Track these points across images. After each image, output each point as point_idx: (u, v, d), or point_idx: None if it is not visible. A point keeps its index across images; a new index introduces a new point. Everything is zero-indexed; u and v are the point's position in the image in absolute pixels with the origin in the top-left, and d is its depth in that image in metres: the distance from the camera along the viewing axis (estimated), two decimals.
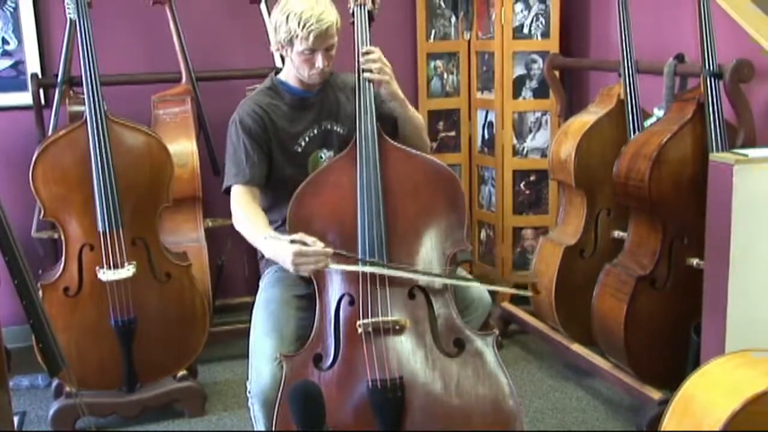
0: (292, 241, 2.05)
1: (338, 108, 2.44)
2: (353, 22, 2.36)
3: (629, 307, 2.72)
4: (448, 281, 2.17)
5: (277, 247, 2.09)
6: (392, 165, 2.21)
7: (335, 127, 2.43)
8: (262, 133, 2.35)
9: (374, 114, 2.24)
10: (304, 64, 2.32)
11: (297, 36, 2.25)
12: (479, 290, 2.38)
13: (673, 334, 2.72)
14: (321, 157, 2.40)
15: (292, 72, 2.40)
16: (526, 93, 3.83)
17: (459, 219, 2.21)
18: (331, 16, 2.26)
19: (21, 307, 1.85)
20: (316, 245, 2.05)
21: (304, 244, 2.05)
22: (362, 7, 2.35)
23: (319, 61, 2.29)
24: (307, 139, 2.40)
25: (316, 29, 2.23)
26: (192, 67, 3.50)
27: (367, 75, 2.27)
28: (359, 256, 2.13)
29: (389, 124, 2.40)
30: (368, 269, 2.12)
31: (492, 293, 2.47)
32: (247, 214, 2.27)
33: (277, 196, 2.38)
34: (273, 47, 2.38)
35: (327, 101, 2.43)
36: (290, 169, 2.37)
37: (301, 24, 2.23)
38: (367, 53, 2.28)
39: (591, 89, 3.79)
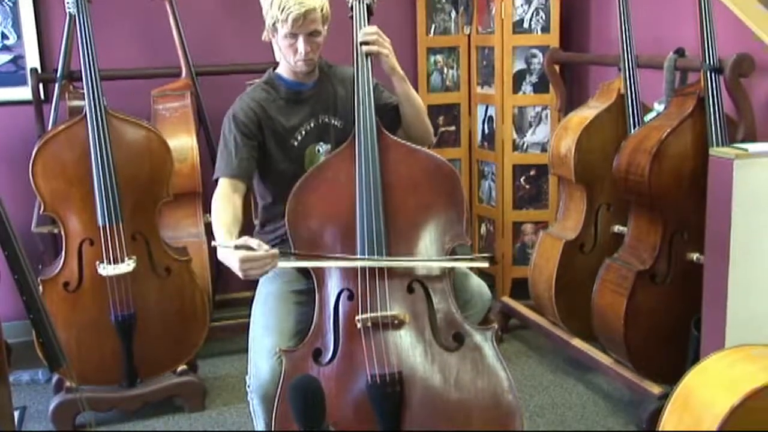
0: (236, 247, 2.03)
1: (336, 101, 2.43)
2: (352, 16, 2.36)
3: (629, 302, 2.72)
4: (421, 263, 2.16)
5: (225, 255, 2.07)
6: (391, 159, 2.20)
7: (333, 121, 2.43)
8: (255, 129, 2.35)
9: (373, 108, 2.24)
10: (288, 50, 2.32)
11: (278, 20, 2.26)
12: (479, 285, 2.38)
13: (673, 329, 2.72)
14: (318, 151, 2.40)
15: (285, 64, 2.41)
16: (526, 88, 3.82)
17: (458, 213, 2.20)
18: (314, 2, 2.26)
19: (21, 302, 1.85)
20: (261, 249, 2.03)
21: (249, 248, 2.02)
22: (361, 1, 2.35)
23: (301, 46, 2.29)
24: (303, 133, 2.39)
25: (295, 12, 2.23)
26: (192, 62, 3.50)
27: (365, 48, 2.27)
28: (357, 253, 2.12)
29: (389, 117, 2.40)
30: (323, 264, 2.12)
31: (492, 288, 2.47)
32: (217, 213, 2.25)
33: (277, 191, 2.38)
34: (263, 36, 2.38)
35: (324, 94, 2.43)
36: (286, 164, 2.38)
37: (281, 7, 2.24)
38: (366, 32, 2.29)
39: (591, 84, 3.78)
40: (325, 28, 2.33)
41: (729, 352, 1.97)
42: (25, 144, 3.25)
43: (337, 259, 2.13)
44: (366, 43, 2.27)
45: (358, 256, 2.12)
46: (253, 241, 2.04)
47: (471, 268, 2.42)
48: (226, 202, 2.28)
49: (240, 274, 2.03)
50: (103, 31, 3.24)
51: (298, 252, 2.14)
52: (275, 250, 2.05)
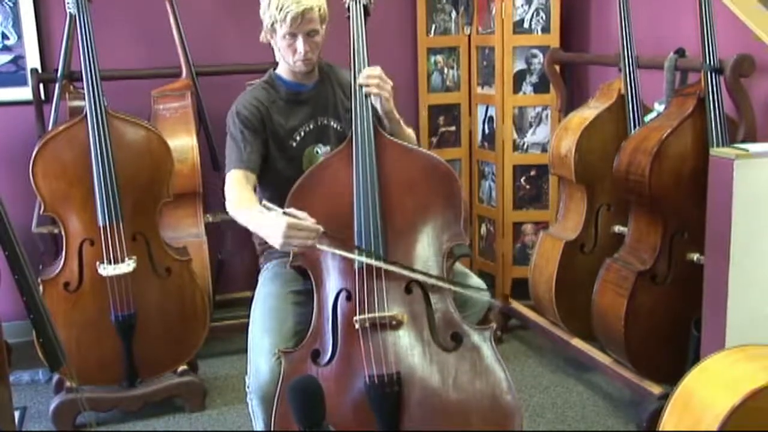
0: (285, 213, 2.03)
1: (335, 104, 2.44)
2: (349, 16, 2.36)
3: (629, 302, 2.72)
4: (436, 282, 2.14)
5: (270, 219, 2.05)
6: (389, 160, 2.20)
7: (331, 123, 2.43)
8: (258, 124, 2.35)
9: (370, 109, 2.23)
10: (287, 50, 2.33)
11: (277, 20, 2.27)
12: (478, 285, 2.37)
13: (673, 329, 2.72)
14: (317, 153, 2.40)
15: (284, 64, 2.41)
16: (527, 88, 3.82)
17: (456, 213, 2.20)
18: (311, 1, 2.26)
19: (21, 302, 1.85)
20: (308, 220, 2.04)
21: (296, 218, 2.03)
22: (357, 2, 2.35)
23: (300, 46, 2.29)
24: (302, 134, 2.40)
25: (293, 11, 2.23)
26: (192, 62, 3.50)
27: (366, 90, 2.24)
28: (355, 243, 2.12)
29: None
30: (355, 257, 2.11)
31: (492, 288, 2.47)
32: (240, 195, 2.25)
33: (274, 191, 2.38)
34: (261, 37, 2.38)
35: (323, 95, 2.43)
36: (283, 164, 2.38)
37: (279, 7, 2.25)
38: (367, 75, 2.25)
39: (591, 84, 3.78)
40: (323, 27, 2.34)
41: (729, 352, 1.97)
42: (25, 144, 3.25)
43: (369, 255, 2.11)
44: (367, 84, 2.25)
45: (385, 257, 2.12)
46: (300, 213, 2.04)
47: (470, 268, 2.42)
48: (242, 187, 2.28)
49: (278, 243, 2.01)
50: (103, 31, 3.24)
51: (342, 236, 2.11)
52: (320, 227, 2.04)
